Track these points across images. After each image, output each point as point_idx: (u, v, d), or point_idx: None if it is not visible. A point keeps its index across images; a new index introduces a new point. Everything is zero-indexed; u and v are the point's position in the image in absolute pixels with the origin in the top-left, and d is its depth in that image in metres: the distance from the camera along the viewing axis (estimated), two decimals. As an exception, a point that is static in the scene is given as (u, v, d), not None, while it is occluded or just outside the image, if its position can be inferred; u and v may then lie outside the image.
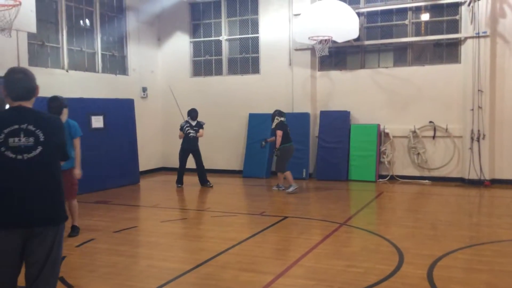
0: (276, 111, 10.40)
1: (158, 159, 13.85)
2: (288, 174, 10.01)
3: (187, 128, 10.81)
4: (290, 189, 9.87)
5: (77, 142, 6.68)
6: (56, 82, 10.55)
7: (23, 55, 9.81)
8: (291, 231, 7.10)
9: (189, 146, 10.88)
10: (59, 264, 3.30)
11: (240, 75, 13.24)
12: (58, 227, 3.21)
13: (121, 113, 11.27)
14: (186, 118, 11.04)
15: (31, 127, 3.13)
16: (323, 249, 5.98)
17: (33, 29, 8.83)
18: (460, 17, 11.12)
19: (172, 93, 11.87)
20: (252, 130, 12.74)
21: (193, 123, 10.89)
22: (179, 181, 11.06)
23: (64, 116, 6.62)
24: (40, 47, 10.50)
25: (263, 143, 10.72)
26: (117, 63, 12.72)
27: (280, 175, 10.29)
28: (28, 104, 3.26)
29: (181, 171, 11.07)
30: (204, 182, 11.01)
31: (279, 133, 9.94)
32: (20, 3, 7.75)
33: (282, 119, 10.19)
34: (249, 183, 11.76)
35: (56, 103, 6.56)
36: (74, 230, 6.88)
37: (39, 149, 3.13)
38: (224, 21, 13.34)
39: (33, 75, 3.31)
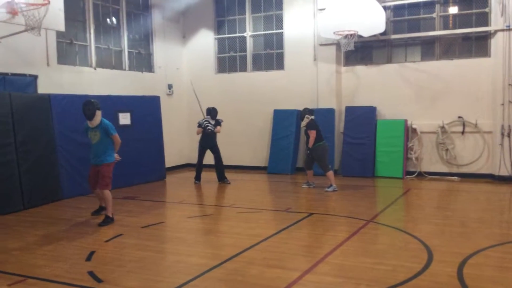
0: (305, 109, 10.14)
1: (184, 155, 13.96)
2: (331, 173, 9.80)
3: (205, 122, 10.85)
4: (330, 189, 9.67)
5: (115, 138, 7.44)
6: (84, 80, 10.75)
7: (52, 54, 10.01)
8: (317, 227, 7.07)
9: (207, 143, 10.95)
10: None
11: (264, 71, 13.21)
12: None
13: (147, 110, 11.38)
14: (205, 115, 11.08)
15: None
16: (350, 246, 5.93)
17: (61, 27, 8.98)
18: (490, 10, 10.84)
19: (193, 88, 11.87)
20: (276, 126, 12.71)
21: (212, 122, 10.93)
22: (197, 178, 11.18)
23: (98, 117, 7.36)
24: (69, 46, 10.69)
25: (308, 152, 10.06)
26: (143, 61, 12.86)
27: (309, 172, 10.18)
28: None
29: (198, 168, 11.18)
30: (221, 179, 11.05)
31: (313, 133, 9.69)
32: (49, 2, 7.90)
33: (313, 117, 9.96)
34: (274, 179, 11.75)
35: (89, 106, 7.32)
36: (104, 220, 7.29)
37: None
38: (248, 17, 13.33)
39: None
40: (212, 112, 11.01)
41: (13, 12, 7.89)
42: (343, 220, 7.45)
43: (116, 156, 7.56)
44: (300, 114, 10.29)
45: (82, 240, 6.43)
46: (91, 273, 5.07)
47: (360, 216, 7.48)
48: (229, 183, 10.98)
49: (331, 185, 9.74)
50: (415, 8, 11.63)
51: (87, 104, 7.33)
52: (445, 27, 11.39)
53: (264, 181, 11.69)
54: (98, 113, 7.33)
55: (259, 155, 13.19)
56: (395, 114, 11.66)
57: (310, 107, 12.20)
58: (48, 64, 9.89)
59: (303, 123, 10.01)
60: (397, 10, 11.80)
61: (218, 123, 11.02)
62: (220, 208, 8.87)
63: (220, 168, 11.10)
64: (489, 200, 9.14)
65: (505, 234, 6.51)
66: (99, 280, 4.89)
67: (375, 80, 11.89)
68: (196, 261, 5.48)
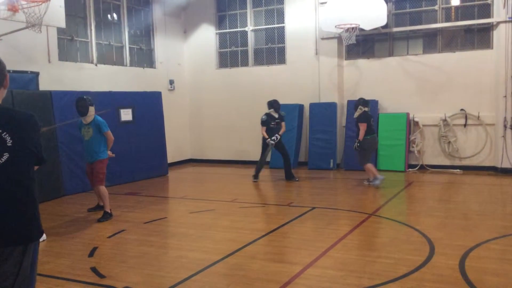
0: (360, 99, 9.62)
1: (186, 151, 13.98)
2: (370, 166, 9.39)
3: (272, 124, 10.12)
4: (377, 182, 9.22)
5: (107, 135, 7.36)
6: (85, 76, 10.75)
7: (53, 50, 10.02)
8: (319, 221, 7.07)
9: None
10: None
11: (266, 65, 13.19)
12: (26, 247, 2.63)
13: (149, 106, 11.38)
14: (268, 109, 10.23)
15: None
16: (352, 240, 5.94)
17: (62, 24, 8.97)
18: (492, 1, 10.77)
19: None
20: (279, 121, 12.68)
21: (275, 115, 10.18)
22: (255, 175, 10.65)
23: (91, 114, 7.34)
24: (70, 42, 10.69)
25: (358, 145, 9.42)
26: (144, 56, 12.85)
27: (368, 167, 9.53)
28: None
29: (259, 164, 10.59)
30: (288, 177, 10.48)
31: (363, 126, 9.24)
32: (49, -1, 7.88)
33: (366, 109, 9.39)
34: (276, 174, 11.74)
35: (82, 102, 7.34)
36: (103, 216, 7.29)
37: (6, 156, 2.57)
38: (249, 12, 13.29)
39: (2, 63, 2.67)
40: (274, 104, 10.18)
41: (13, 9, 7.89)
42: (345, 213, 7.45)
43: (109, 153, 7.54)
44: (354, 104, 9.73)
45: (85, 236, 6.46)
46: (93, 269, 5.10)
47: (362, 210, 7.49)
48: (297, 180, 10.39)
49: (375, 178, 9.28)
50: (417, 1, 11.57)
51: (80, 101, 7.36)
52: (447, 19, 11.33)
53: (267, 176, 11.68)
54: (91, 109, 7.33)
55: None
56: (397, 108, 11.63)
57: (312, 101, 12.25)
58: (49, 61, 9.90)
59: (356, 114, 9.54)
60: (398, 2, 11.74)
61: (282, 118, 10.22)
62: (222, 203, 8.87)
63: (285, 165, 10.50)
64: (491, 192, 9.13)
65: (508, 227, 6.49)
66: (101, 276, 4.91)
67: (377, 73, 11.85)
68: (198, 256, 5.50)
